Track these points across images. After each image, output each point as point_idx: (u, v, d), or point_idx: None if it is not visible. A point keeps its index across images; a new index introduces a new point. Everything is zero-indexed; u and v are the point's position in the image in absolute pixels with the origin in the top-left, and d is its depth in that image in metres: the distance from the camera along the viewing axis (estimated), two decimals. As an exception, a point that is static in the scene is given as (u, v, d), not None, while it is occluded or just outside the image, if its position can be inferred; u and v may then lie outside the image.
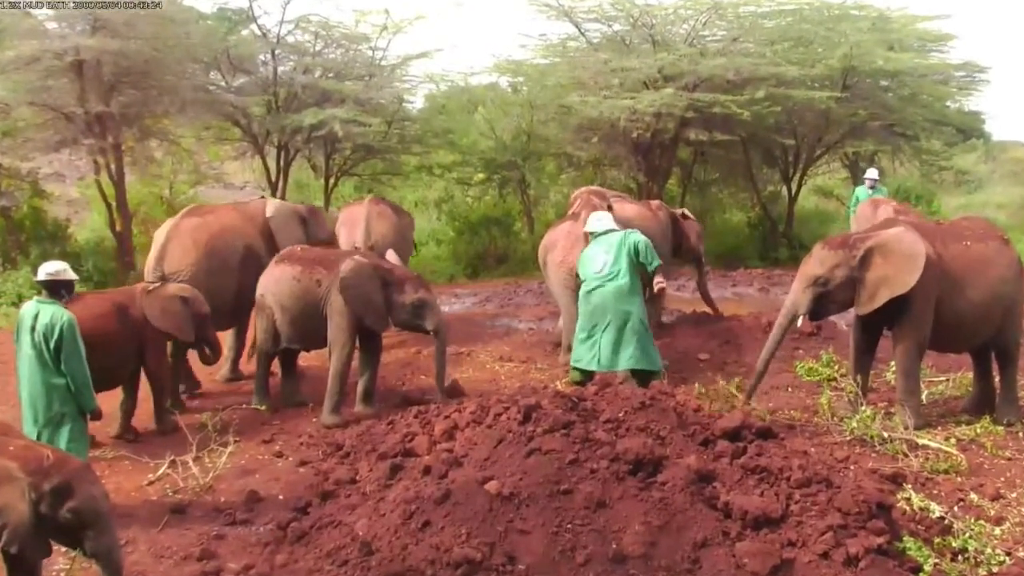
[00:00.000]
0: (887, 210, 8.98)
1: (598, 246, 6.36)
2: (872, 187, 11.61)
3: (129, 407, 5.94)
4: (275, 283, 6.34)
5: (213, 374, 7.14)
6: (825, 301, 5.60)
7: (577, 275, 6.97)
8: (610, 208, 7.81)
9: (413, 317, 6.13)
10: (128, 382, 5.90)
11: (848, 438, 5.39)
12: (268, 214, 7.42)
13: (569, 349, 7.23)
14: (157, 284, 6.18)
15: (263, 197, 8.38)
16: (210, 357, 6.35)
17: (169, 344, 6.32)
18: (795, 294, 5.64)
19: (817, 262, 5.58)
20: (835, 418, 5.64)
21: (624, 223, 7.80)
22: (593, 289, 6.28)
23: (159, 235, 6.92)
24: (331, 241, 7.92)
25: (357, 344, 6.30)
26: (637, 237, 6.29)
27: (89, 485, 3.31)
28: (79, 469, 3.35)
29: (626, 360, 6.12)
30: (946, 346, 5.95)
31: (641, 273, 6.27)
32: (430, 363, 7.55)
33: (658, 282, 6.34)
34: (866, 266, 5.48)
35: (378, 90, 12.48)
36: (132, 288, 6.19)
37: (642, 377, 6.18)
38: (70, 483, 3.25)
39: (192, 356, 6.62)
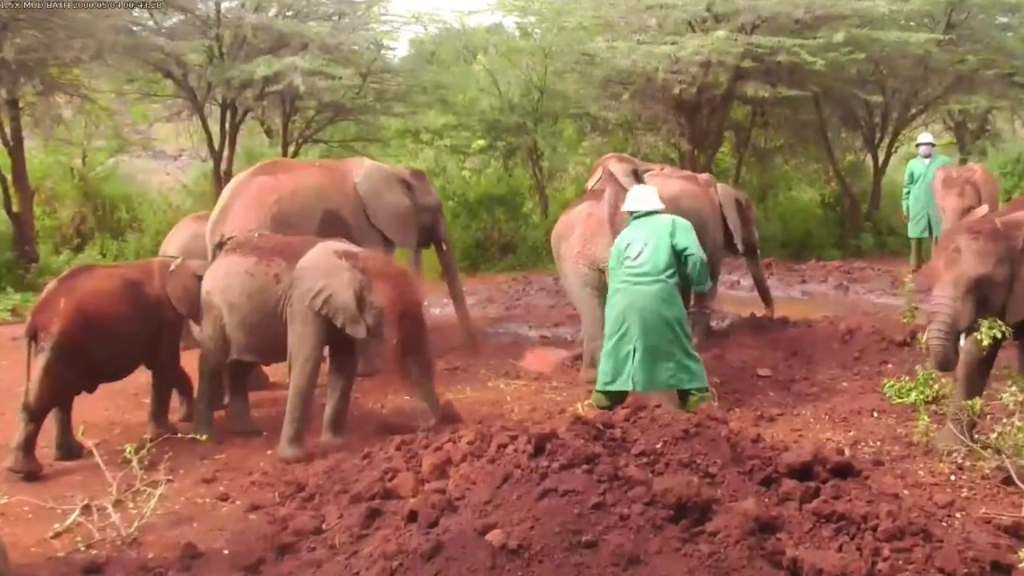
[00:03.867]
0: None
1: (637, 231, 6.37)
2: (928, 155, 11.55)
3: (163, 398, 6.58)
4: (223, 277, 6.35)
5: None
6: (982, 310, 5.49)
7: (601, 269, 6.98)
8: (635, 172, 7.86)
9: (380, 324, 6.12)
10: (155, 370, 6.55)
11: (951, 475, 5.37)
12: (355, 180, 7.91)
13: (593, 363, 7.25)
14: (179, 261, 6.69)
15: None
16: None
17: None
18: (949, 303, 5.37)
19: (977, 258, 5.37)
20: (936, 449, 5.62)
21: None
22: (625, 286, 6.28)
23: (223, 195, 7.59)
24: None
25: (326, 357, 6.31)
26: (690, 240, 6.28)
27: None
28: None
29: (666, 378, 6.13)
30: None
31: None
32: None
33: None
34: None
35: (350, 33, 12.53)
36: (148, 263, 6.87)
37: (685, 398, 6.18)
38: None
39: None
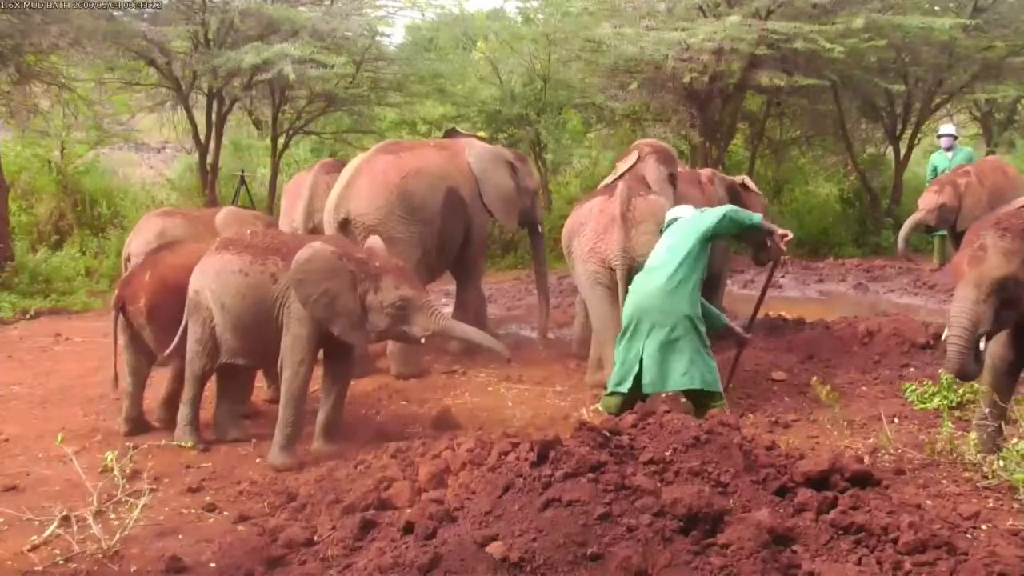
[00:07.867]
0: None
1: (667, 236, 6.55)
2: (950, 148, 11.51)
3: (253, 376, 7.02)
4: (214, 276, 6.33)
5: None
6: (1006, 312, 5.47)
7: (612, 268, 7.05)
8: (672, 177, 7.92)
9: (397, 322, 6.12)
10: None
11: (982, 482, 5.37)
12: (469, 159, 8.50)
13: (600, 366, 7.26)
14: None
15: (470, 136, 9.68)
16: None
17: None
18: (969, 305, 5.31)
19: (1001, 257, 5.33)
20: (960, 458, 5.63)
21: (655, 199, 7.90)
22: (635, 285, 6.42)
23: (344, 174, 8.05)
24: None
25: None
26: (714, 212, 6.46)
27: None
28: None
29: (677, 378, 6.14)
30: None
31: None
32: (414, 386, 7.59)
33: (782, 234, 6.55)
34: None
35: (343, 19, 12.53)
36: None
37: (697, 402, 6.19)
38: None
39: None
